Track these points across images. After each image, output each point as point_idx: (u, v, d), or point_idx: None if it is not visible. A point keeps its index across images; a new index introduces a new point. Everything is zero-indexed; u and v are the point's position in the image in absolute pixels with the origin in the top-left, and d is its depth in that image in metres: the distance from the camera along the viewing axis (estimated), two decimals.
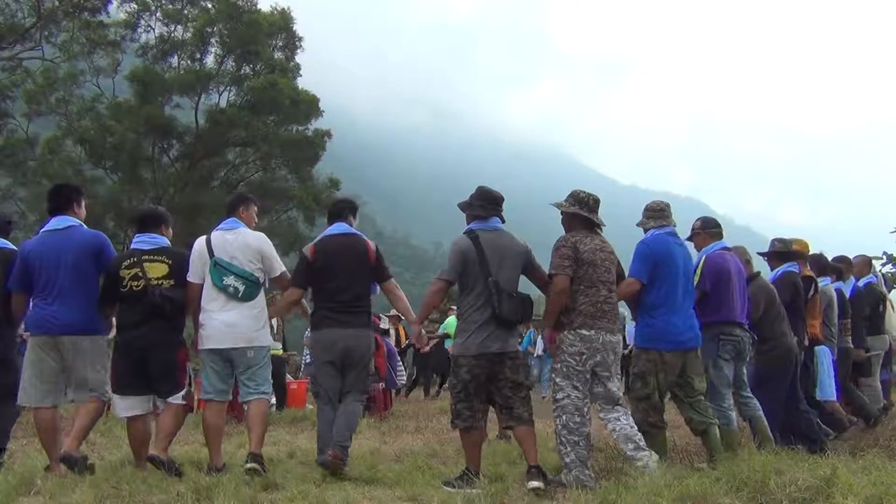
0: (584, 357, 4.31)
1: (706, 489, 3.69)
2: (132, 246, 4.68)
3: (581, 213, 4.51)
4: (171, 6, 23.12)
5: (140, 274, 4.49)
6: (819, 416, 5.70)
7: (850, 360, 6.79)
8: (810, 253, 6.36)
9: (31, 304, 4.68)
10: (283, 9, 23.54)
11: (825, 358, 6.09)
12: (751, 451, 4.46)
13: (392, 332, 11.66)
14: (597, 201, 4.57)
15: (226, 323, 4.53)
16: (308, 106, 23.16)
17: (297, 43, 24.00)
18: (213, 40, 23.12)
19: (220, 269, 4.55)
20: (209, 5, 23.14)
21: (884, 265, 14.49)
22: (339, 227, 4.87)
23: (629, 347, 12.86)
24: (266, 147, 23.13)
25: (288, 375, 10.02)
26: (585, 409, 4.32)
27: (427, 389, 13.11)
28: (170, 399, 4.52)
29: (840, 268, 7.02)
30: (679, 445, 5.66)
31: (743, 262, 5.49)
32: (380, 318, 10.01)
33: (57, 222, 4.64)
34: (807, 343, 5.90)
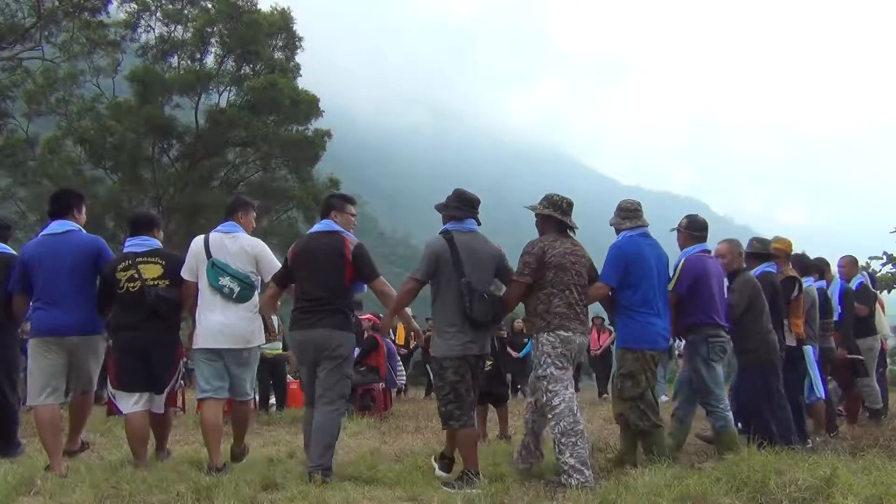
0: (567, 357, 4.39)
1: (706, 489, 3.70)
2: (125, 249, 4.74)
3: (554, 215, 4.58)
4: (171, 6, 23.11)
5: (136, 275, 4.57)
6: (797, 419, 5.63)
7: (830, 361, 6.76)
8: (793, 252, 6.33)
9: (31, 306, 4.76)
10: (283, 9, 23.55)
11: (812, 357, 6.12)
12: (751, 451, 4.46)
13: (391, 332, 11.65)
14: (570, 204, 4.64)
15: (221, 323, 4.58)
16: (308, 106, 23.15)
17: (297, 43, 24.01)
18: (213, 40, 23.11)
19: (216, 269, 4.60)
20: (209, 5, 23.13)
21: (884, 265, 14.50)
22: (321, 225, 4.68)
23: (600, 349, 12.97)
24: (266, 147, 23.12)
25: (288, 375, 9.99)
26: (576, 407, 4.36)
27: (428, 389, 13.12)
28: (153, 408, 4.69)
29: (822, 267, 7.02)
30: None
31: (735, 254, 5.51)
32: (380, 318, 9.99)
33: (57, 226, 4.76)
34: (794, 343, 5.89)
